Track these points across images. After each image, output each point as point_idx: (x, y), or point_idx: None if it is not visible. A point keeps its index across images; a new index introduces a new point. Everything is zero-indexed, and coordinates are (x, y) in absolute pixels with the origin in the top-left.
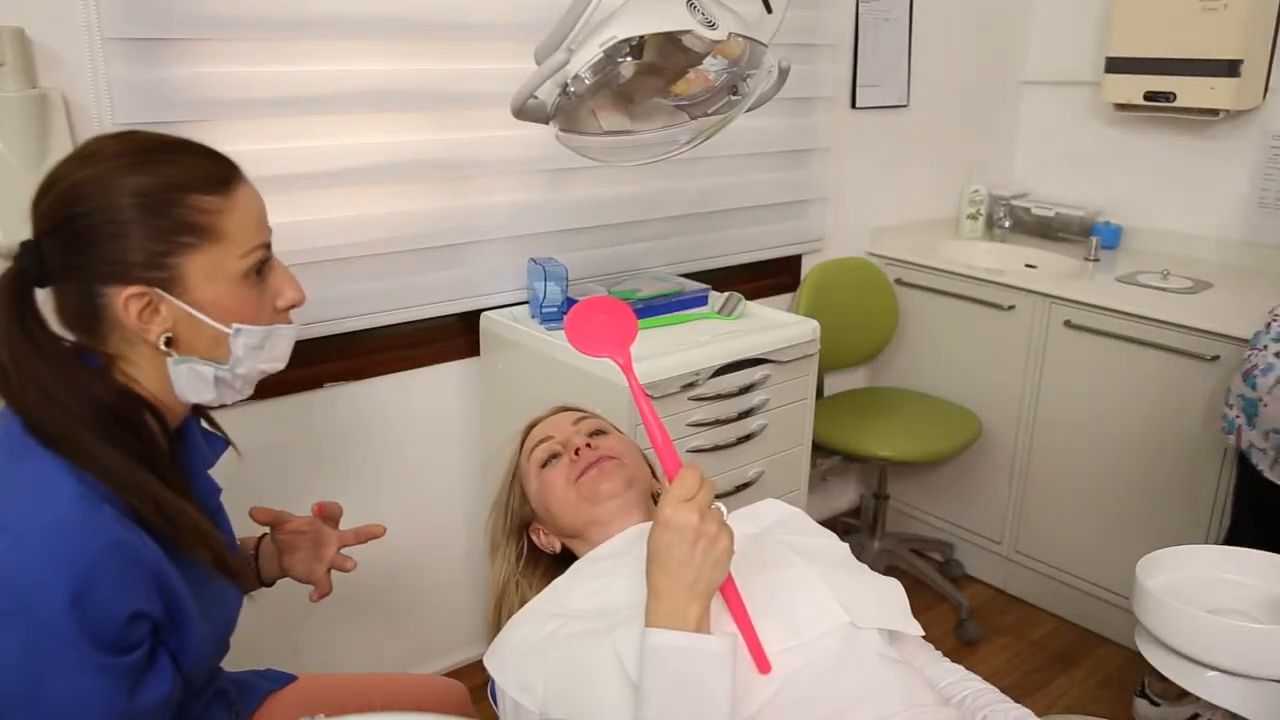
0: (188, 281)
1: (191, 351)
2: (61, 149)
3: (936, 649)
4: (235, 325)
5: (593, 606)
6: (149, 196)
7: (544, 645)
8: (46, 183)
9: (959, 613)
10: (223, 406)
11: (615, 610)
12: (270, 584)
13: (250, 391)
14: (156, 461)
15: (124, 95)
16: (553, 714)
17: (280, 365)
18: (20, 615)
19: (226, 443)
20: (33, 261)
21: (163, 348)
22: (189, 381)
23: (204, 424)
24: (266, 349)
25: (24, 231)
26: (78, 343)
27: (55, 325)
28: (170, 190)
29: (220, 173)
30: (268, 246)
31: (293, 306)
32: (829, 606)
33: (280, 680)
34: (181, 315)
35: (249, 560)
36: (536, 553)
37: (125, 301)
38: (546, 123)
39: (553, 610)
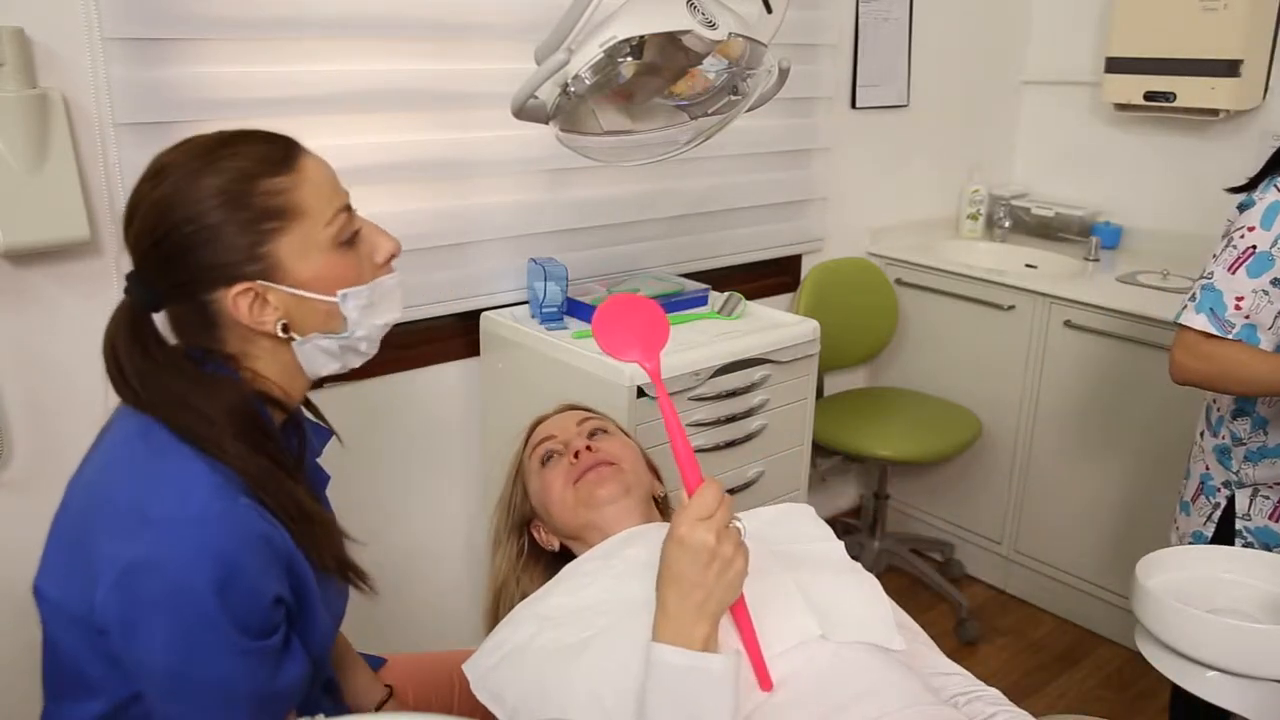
0: (284, 265)
1: (309, 330)
2: (61, 149)
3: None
4: (341, 292)
5: (571, 603)
6: (225, 194)
7: (518, 655)
8: (129, 211)
9: (959, 613)
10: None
11: (592, 608)
12: None
13: (375, 350)
14: (283, 457)
15: (124, 95)
16: None
17: (398, 314)
18: (170, 603)
19: (330, 432)
20: (140, 290)
21: (281, 335)
22: (316, 358)
23: (309, 414)
24: (378, 304)
25: (24, 230)
26: (202, 351)
27: (174, 340)
28: (241, 182)
29: (280, 152)
30: (348, 208)
31: (391, 257)
32: (800, 619)
33: (373, 664)
34: (289, 299)
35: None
36: (537, 550)
37: (234, 301)
38: (546, 123)
39: (532, 613)
